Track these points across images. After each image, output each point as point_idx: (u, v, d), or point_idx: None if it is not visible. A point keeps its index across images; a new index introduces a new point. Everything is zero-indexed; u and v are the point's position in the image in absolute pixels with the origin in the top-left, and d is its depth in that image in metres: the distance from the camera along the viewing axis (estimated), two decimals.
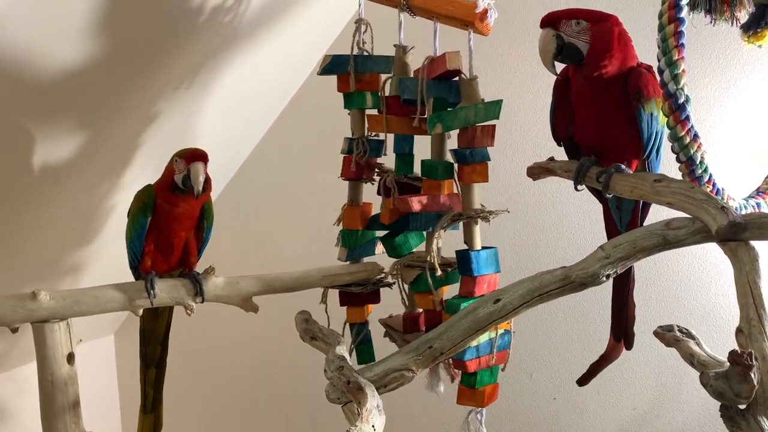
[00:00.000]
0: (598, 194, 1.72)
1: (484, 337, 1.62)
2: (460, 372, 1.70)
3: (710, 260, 2.40)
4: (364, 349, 1.88)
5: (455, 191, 1.72)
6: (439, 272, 1.67)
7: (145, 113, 2.02)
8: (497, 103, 1.62)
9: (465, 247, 1.68)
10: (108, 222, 2.23)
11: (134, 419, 2.82)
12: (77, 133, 1.84)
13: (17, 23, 1.42)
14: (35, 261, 2.13)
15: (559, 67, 1.61)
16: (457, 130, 1.65)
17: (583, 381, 1.87)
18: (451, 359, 1.67)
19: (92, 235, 2.23)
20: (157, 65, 1.89)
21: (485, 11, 1.58)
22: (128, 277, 1.74)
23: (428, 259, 1.68)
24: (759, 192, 1.67)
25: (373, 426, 1.21)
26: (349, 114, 1.85)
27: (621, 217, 1.73)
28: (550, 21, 1.55)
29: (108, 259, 2.32)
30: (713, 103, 2.38)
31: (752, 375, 1.17)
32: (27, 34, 1.46)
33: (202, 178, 1.63)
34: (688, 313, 2.43)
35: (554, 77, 1.66)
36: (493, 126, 1.63)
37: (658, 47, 1.39)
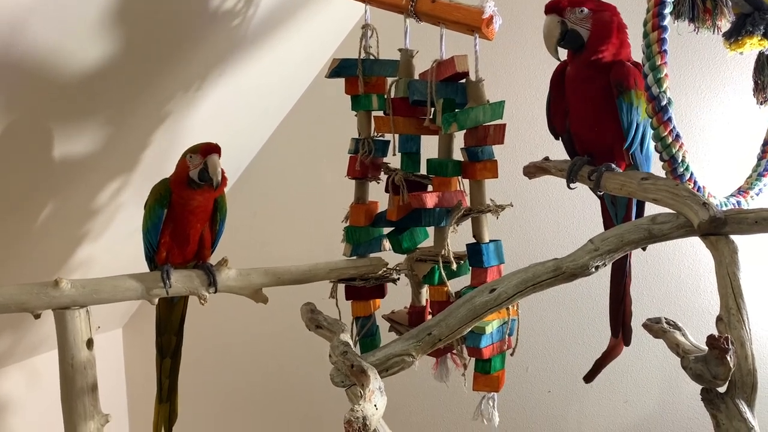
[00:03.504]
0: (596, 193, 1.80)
1: (495, 324, 1.70)
2: (469, 360, 1.77)
3: (700, 258, 2.47)
4: (367, 342, 1.92)
5: (459, 188, 1.79)
6: (454, 265, 1.73)
7: (156, 114, 2.07)
8: (501, 104, 1.70)
9: (460, 241, 1.76)
10: (117, 218, 2.27)
11: (141, 411, 2.91)
12: (93, 133, 1.89)
13: (36, 28, 1.47)
14: (50, 253, 2.19)
15: (562, 54, 1.68)
16: (464, 130, 1.71)
17: (588, 378, 1.92)
18: (465, 347, 1.74)
19: (103, 230, 2.27)
20: (169, 68, 1.94)
21: (491, 17, 1.64)
22: (136, 270, 1.78)
23: (442, 253, 1.73)
24: (740, 191, 1.73)
25: (375, 405, 1.26)
26: (355, 115, 1.90)
27: (617, 212, 1.80)
28: (555, 8, 1.62)
29: (117, 253, 2.37)
30: (703, 106, 2.46)
31: (728, 358, 1.23)
32: (45, 39, 1.51)
33: (219, 169, 1.69)
34: (677, 308, 2.49)
35: (549, 78, 1.74)
36: (504, 125, 1.70)
37: (643, 53, 1.46)
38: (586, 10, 1.61)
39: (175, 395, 1.99)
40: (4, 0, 1.35)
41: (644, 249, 1.67)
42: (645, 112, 1.56)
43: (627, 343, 1.88)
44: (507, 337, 1.75)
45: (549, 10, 1.64)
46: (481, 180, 1.73)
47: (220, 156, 1.71)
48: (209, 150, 1.70)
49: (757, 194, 1.77)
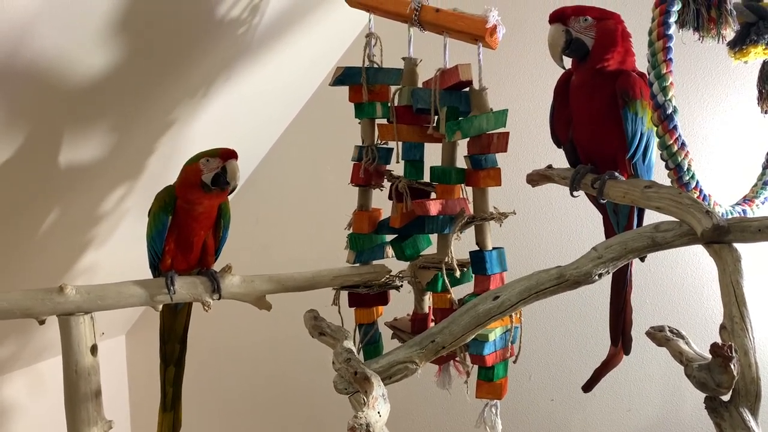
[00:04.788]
0: (597, 202, 1.79)
1: (498, 332, 1.70)
2: (472, 368, 1.77)
3: (703, 266, 2.47)
4: (371, 349, 1.93)
5: (462, 196, 1.80)
6: (457, 273, 1.73)
7: (162, 120, 2.08)
8: (504, 113, 1.71)
9: (463, 249, 1.76)
10: (122, 224, 2.28)
11: (144, 418, 2.90)
12: (98, 140, 1.90)
13: (42, 35, 1.48)
14: (54, 259, 2.19)
15: (566, 62, 1.69)
16: (467, 138, 1.72)
17: (587, 387, 1.92)
18: (469, 355, 1.74)
19: (107, 236, 2.29)
20: (174, 75, 1.95)
21: (495, 26, 1.65)
22: (140, 276, 1.77)
23: (445, 260, 1.74)
24: (746, 200, 1.74)
25: (378, 412, 1.26)
26: (359, 123, 1.90)
27: (618, 221, 1.80)
28: (560, 17, 1.64)
29: (121, 259, 2.37)
30: (707, 115, 2.47)
31: (732, 366, 1.23)
32: (52, 46, 1.52)
33: (239, 174, 1.72)
34: (681, 316, 2.50)
35: (552, 87, 1.75)
36: (507, 133, 1.71)
37: (648, 61, 1.46)
38: (590, 18, 1.62)
39: (179, 404, 1.98)
40: (10, 7, 1.37)
41: (642, 260, 1.68)
42: (650, 122, 1.56)
43: (627, 352, 1.88)
44: (510, 344, 1.75)
45: (553, 19, 1.65)
46: (485, 188, 1.74)
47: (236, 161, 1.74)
48: (229, 155, 1.72)
49: (763, 203, 1.77)
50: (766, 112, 1.74)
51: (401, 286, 1.95)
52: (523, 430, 2.67)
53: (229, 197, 1.84)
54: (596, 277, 1.43)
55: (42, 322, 1.64)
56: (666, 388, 2.55)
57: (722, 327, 1.38)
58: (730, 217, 1.60)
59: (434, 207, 1.68)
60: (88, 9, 1.53)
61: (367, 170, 1.86)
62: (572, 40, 1.63)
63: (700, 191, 1.53)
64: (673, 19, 1.44)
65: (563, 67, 1.70)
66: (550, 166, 1.84)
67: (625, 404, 2.59)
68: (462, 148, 1.77)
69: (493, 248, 1.76)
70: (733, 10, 1.52)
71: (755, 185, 1.80)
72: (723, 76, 2.45)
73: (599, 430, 2.63)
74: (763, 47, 1.57)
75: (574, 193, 1.74)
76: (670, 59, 1.44)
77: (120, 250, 2.37)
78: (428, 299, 1.91)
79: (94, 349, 1.66)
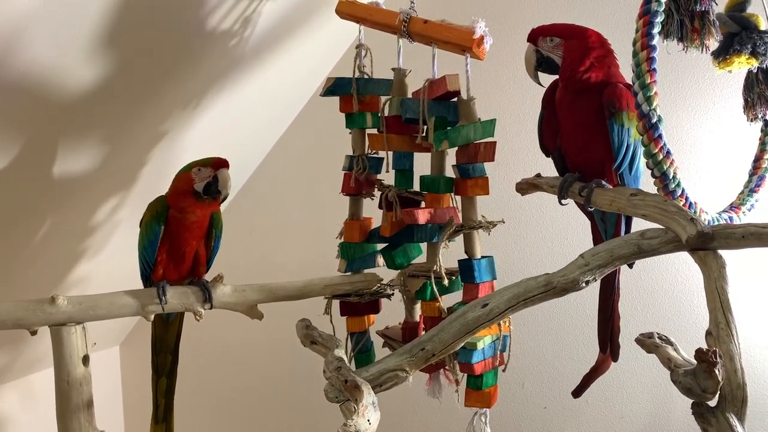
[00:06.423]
0: (585, 210, 1.81)
1: (487, 340, 1.71)
2: (462, 376, 1.77)
3: (692, 273, 2.48)
4: (362, 357, 1.93)
5: (452, 204, 1.81)
6: (446, 281, 1.75)
7: (154, 131, 2.09)
8: (492, 122, 1.72)
9: (454, 257, 1.77)
10: (115, 235, 2.29)
11: (137, 430, 2.89)
12: (90, 151, 1.90)
13: (34, 48, 1.49)
14: (47, 270, 2.19)
15: (544, 77, 1.74)
16: (455, 147, 1.73)
17: (577, 393, 1.93)
18: (458, 363, 1.75)
19: (100, 247, 2.28)
20: (168, 86, 1.96)
21: (482, 37, 1.67)
22: (132, 287, 1.77)
23: (434, 269, 1.75)
24: (732, 207, 1.76)
25: (368, 420, 1.26)
26: (350, 133, 1.92)
27: (606, 229, 1.82)
28: (532, 37, 1.72)
29: (114, 270, 2.37)
30: (694, 123, 2.49)
31: (717, 371, 1.25)
32: (44, 58, 1.53)
33: (230, 183, 1.74)
34: (671, 323, 2.50)
35: (540, 97, 1.78)
36: (494, 143, 1.73)
37: (633, 71, 1.48)
38: (556, 39, 1.68)
39: (171, 415, 1.98)
40: (1, 20, 1.38)
41: (631, 266, 1.69)
42: (636, 133, 1.58)
43: (615, 358, 1.89)
44: (499, 353, 1.76)
45: (529, 38, 1.72)
46: (473, 196, 1.75)
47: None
48: (220, 164, 1.74)
49: (749, 210, 1.79)
50: (751, 120, 1.76)
51: (392, 294, 1.95)
52: None
53: (222, 207, 1.85)
54: (583, 284, 1.44)
55: (34, 333, 1.64)
56: (657, 395, 2.55)
57: (708, 333, 1.40)
58: (715, 224, 1.62)
59: (423, 216, 1.69)
60: (80, 21, 1.54)
61: (358, 179, 1.88)
62: (544, 59, 1.70)
63: (686, 199, 1.54)
64: (656, 29, 1.46)
65: (540, 84, 1.75)
66: (538, 175, 1.86)
67: (617, 411, 2.59)
68: (451, 157, 1.79)
69: (483, 257, 1.77)
70: (716, 20, 1.55)
71: (741, 192, 1.82)
72: (710, 85, 2.48)
73: None
74: (747, 57, 1.60)
75: (563, 201, 1.76)
76: (654, 69, 1.46)
77: (113, 261, 2.37)
78: (419, 308, 1.91)
79: (86, 360, 1.66)
